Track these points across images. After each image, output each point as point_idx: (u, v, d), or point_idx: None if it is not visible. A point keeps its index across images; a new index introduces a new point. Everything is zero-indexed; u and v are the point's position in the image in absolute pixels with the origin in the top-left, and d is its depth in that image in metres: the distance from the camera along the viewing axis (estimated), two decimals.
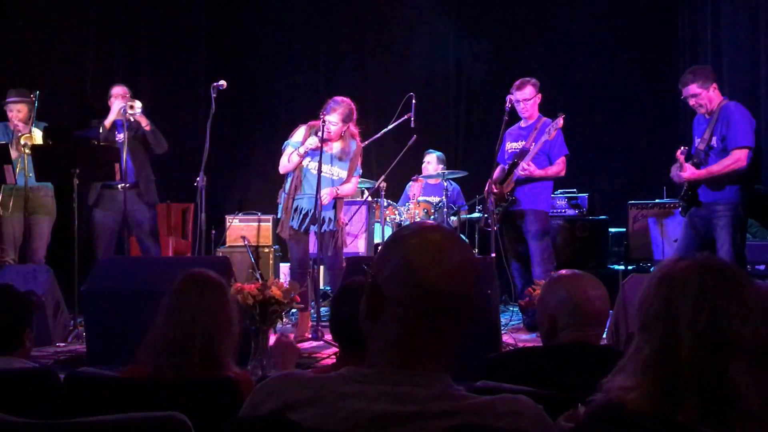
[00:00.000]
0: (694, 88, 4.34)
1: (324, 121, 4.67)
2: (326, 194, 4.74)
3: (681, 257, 1.18)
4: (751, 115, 4.43)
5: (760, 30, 5.72)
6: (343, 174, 4.88)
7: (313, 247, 4.94)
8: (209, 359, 1.98)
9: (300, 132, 4.85)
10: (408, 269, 1.16)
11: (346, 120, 4.79)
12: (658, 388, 1.08)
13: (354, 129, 4.92)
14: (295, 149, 4.78)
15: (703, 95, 4.33)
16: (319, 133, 4.67)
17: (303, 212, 4.81)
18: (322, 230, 4.75)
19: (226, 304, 2.07)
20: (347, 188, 4.93)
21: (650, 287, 1.17)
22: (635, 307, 1.19)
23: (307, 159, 4.81)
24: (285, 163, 4.86)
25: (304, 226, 4.81)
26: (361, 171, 5.09)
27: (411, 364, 1.15)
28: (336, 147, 4.84)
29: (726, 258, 4.16)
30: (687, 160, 4.41)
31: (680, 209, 4.62)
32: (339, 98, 4.82)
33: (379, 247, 1.32)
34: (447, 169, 6.51)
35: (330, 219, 4.85)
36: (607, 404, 1.12)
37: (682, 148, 4.44)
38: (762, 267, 5.23)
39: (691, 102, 4.40)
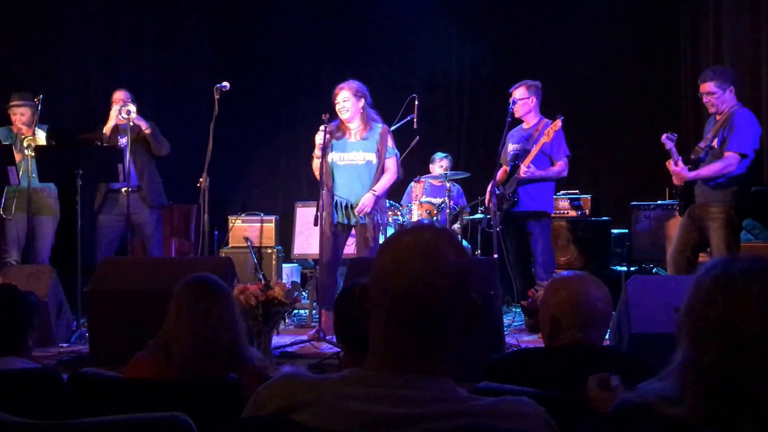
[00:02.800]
0: (711, 86, 4.33)
1: (326, 119, 4.66)
2: (368, 204, 4.65)
3: (737, 257, 1.09)
4: (756, 118, 4.43)
5: (762, 30, 5.71)
6: (369, 156, 4.74)
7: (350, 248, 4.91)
8: (235, 356, 2.09)
9: (317, 137, 4.79)
10: (381, 273, 1.16)
11: (358, 95, 4.70)
12: (713, 402, 1.01)
13: (372, 112, 4.81)
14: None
15: (719, 95, 4.33)
16: (324, 126, 4.65)
17: (343, 204, 4.73)
18: (358, 223, 4.71)
19: (236, 306, 2.22)
20: (385, 180, 4.76)
21: (703, 291, 1.07)
22: (682, 311, 1.10)
23: (330, 154, 4.73)
24: (315, 172, 4.81)
25: (349, 220, 4.71)
26: (397, 151, 4.88)
27: (409, 367, 1.14)
28: (356, 132, 4.75)
29: None
30: (683, 154, 4.43)
31: (677, 208, 4.65)
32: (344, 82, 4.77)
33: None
34: (448, 167, 6.53)
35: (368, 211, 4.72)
36: (643, 408, 1.06)
37: (668, 134, 4.43)
38: None
39: (705, 99, 4.40)
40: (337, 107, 4.72)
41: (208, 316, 2.08)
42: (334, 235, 4.76)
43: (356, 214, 4.71)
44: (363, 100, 4.74)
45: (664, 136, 4.44)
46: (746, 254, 1.12)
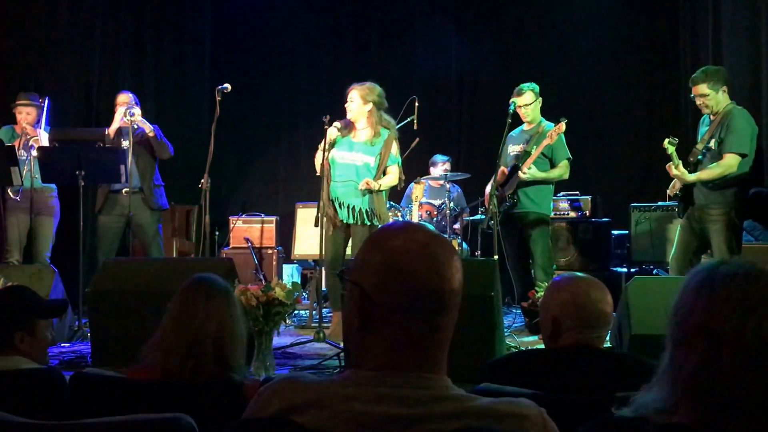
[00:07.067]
0: (703, 87, 4.34)
1: (327, 120, 4.68)
2: (363, 183, 4.67)
3: (721, 262, 1.10)
4: (754, 119, 4.43)
5: (761, 31, 5.71)
6: (368, 159, 4.75)
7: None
8: (221, 363, 2.01)
9: (330, 131, 4.78)
10: (399, 273, 1.12)
11: (367, 99, 4.72)
12: (702, 407, 1.02)
13: (387, 118, 4.83)
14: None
15: (712, 96, 4.33)
16: (336, 123, 4.68)
17: (338, 202, 4.74)
18: (359, 223, 4.70)
19: (232, 309, 2.10)
20: (387, 178, 4.77)
21: (687, 296, 1.09)
22: (669, 315, 1.11)
23: (333, 151, 4.75)
24: (316, 164, 4.82)
25: (344, 218, 4.72)
26: (399, 160, 4.87)
27: (410, 366, 1.14)
28: (361, 134, 4.78)
29: None
30: (681, 156, 4.43)
31: (677, 210, 4.66)
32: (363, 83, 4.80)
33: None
34: (449, 171, 6.54)
35: (367, 212, 4.73)
36: (640, 422, 1.06)
37: (671, 137, 4.44)
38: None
39: (698, 101, 4.41)
40: (346, 105, 4.78)
41: (194, 318, 2.00)
42: (333, 233, 4.76)
43: (353, 211, 4.70)
44: (371, 105, 4.75)
45: (666, 141, 4.44)
46: (735, 259, 1.12)
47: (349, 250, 5.10)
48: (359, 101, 4.73)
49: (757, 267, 1.09)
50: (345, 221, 4.77)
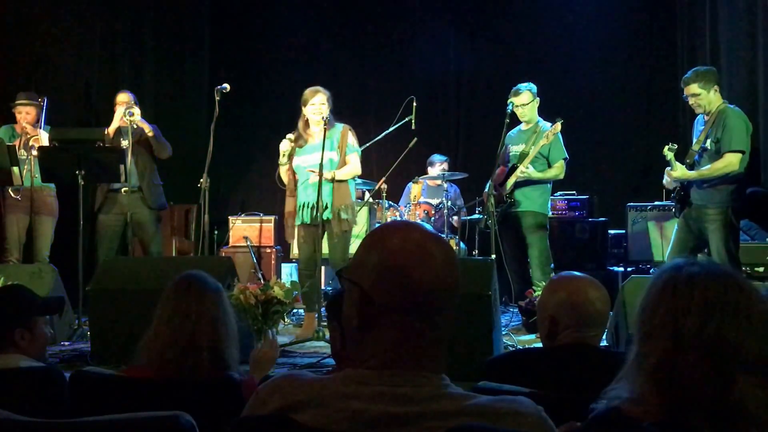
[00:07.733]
0: (695, 87, 4.36)
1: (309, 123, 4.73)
2: (312, 175, 4.68)
3: (686, 263, 1.13)
4: (749, 119, 4.45)
5: (758, 34, 5.73)
6: (331, 155, 4.76)
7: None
8: (217, 360, 2.01)
9: (282, 145, 4.88)
10: (397, 272, 1.13)
11: (329, 101, 4.80)
12: (665, 400, 1.06)
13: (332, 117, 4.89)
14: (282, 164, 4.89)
15: (703, 96, 4.36)
16: (289, 135, 4.82)
17: (309, 205, 4.76)
18: (320, 219, 4.71)
19: (224, 306, 2.11)
20: (345, 168, 4.79)
21: (653, 294, 1.13)
22: (637, 311, 1.16)
23: (295, 159, 4.83)
24: (284, 179, 4.91)
25: (315, 220, 4.71)
26: (358, 148, 4.92)
27: (408, 365, 1.15)
28: (318, 135, 4.79)
29: (719, 262, 4.19)
30: (679, 158, 4.44)
31: (674, 210, 4.67)
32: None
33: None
34: (447, 171, 6.56)
35: (331, 208, 4.73)
36: (613, 413, 1.09)
37: (670, 144, 4.46)
38: (761, 269, 5.25)
39: (691, 101, 4.43)
40: (312, 108, 4.79)
41: (188, 316, 2.01)
42: (305, 238, 4.80)
43: (320, 210, 4.71)
44: (330, 108, 4.82)
45: (665, 148, 4.46)
46: (696, 260, 1.16)
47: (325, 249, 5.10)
48: (327, 105, 4.80)
49: (721, 269, 1.13)
50: (305, 222, 4.79)
